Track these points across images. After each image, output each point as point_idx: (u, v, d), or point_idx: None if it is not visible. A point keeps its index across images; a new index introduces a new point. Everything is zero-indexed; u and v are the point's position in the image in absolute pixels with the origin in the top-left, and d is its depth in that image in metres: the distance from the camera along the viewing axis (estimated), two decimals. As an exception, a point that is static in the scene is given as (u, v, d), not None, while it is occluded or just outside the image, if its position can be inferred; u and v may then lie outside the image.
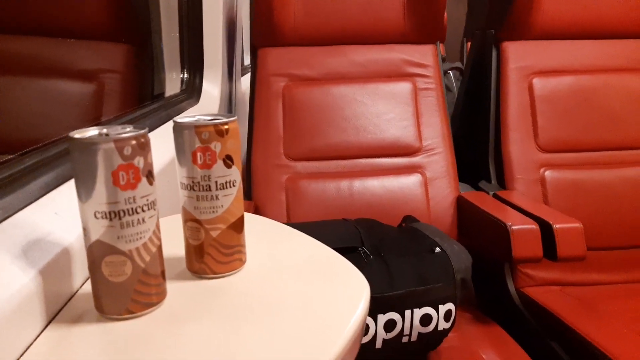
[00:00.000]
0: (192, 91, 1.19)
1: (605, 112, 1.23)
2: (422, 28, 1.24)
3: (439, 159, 1.19)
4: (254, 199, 1.16)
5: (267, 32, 1.22)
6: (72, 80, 0.80)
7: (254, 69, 1.23)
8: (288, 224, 0.67)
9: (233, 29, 1.41)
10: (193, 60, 1.20)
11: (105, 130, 0.39)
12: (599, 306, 1.02)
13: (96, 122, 0.82)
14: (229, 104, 1.37)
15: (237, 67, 1.49)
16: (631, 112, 1.23)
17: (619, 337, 0.90)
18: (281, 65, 1.23)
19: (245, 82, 1.63)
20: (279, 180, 1.16)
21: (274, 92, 1.21)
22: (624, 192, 1.19)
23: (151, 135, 0.82)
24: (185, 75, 1.21)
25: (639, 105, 1.24)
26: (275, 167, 1.17)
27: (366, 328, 0.78)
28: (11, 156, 0.51)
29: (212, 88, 1.22)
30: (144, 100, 1.04)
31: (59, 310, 0.42)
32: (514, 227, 0.93)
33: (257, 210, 1.13)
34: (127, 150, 0.37)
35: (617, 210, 1.18)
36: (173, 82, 1.19)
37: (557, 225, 0.92)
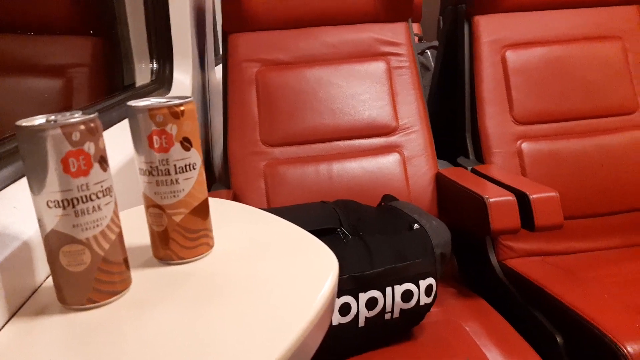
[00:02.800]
0: (162, 81, 1.17)
1: (579, 82, 1.24)
2: (392, 6, 1.23)
3: (416, 137, 1.19)
4: (232, 187, 1.15)
5: (236, 17, 1.20)
6: (36, 77, 0.78)
7: (225, 55, 1.22)
8: (266, 209, 0.67)
9: (202, 17, 1.38)
10: (162, 50, 1.17)
11: (53, 117, 0.38)
12: (580, 274, 1.03)
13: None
14: (203, 92, 1.35)
15: (210, 55, 1.47)
16: (603, 80, 1.24)
17: (600, 302, 0.91)
18: (253, 50, 1.21)
19: (219, 70, 1.61)
20: (257, 167, 1.15)
21: (247, 78, 1.19)
22: (600, 160, 1.20)
23: (120, 125, 0.81)
24: (155, 65, 1.19)
25: (611, 73, 1.25)
26: (253, 154, 1.16)
27: (348, 307, 0.78)
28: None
29: (183, 77, 1.21)
30: (114, 92, 1.02)
31: (22, 304, 0.42)
32: (491, 200, 0.93)
33: (236, 198, 1.12)
34: (76, 136, 0.36)
35: (594, 178, 1.19)
36: (143, 72, 1.17)
37: (534, 195, 0.93)
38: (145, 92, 1.06)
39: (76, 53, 0.92)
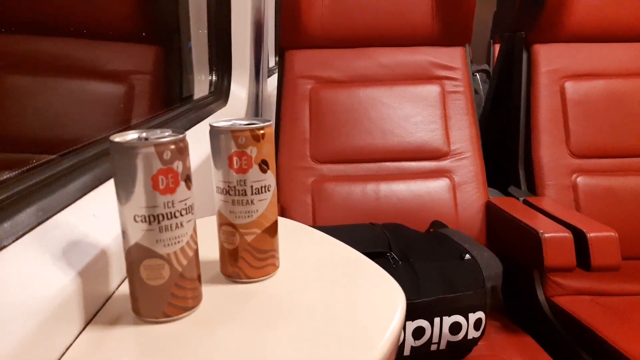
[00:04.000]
0: (220, 93, 1.20)
1: (639, 117, 1.20)
2: (450, 30, 1.23)
3: (467, 164, 1.17)
4: (279, 201, 1.16)
5: (294, 33, 1.22)
6: (102, 82, 0.81)
7: (282, 70, 1.23)
8: (315, 227, 0.67)
9: (260, 31, 1.41)
10: (221, 62, 1.20)
11: (145, 134, 0.39)
12: (632, 317, 0.99)
13: (127, 124, 0.83)
14: (256, 105, 1.37)
15: (264, 68, 1.49)
16: (667, 117, 1.20)
17: (653, 349, 0.87)
18: (308, 67, 1.22)
19: (271, 83, 1.64)
20: (304, 183, 1.16)
21: (300, 94, 1.21)
22: (659, 199, 1.15)
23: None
24: (214, 77, 1.21)
25: (676, 110, 1.20)
26: (301, 169, 1.17)
27: (394, 334, 0.77)
28: (51, 157, 0.52)
29: (240, 90, 1.23)
30: (173, 102, 1.05)
31: (96, 312, 0.43)
32: (546, 235, 0.91)
33: (282, 212, 1.13)
34: (167, 155, 0.37)
35: (651, 219, 1.15)
36: (201, 84, 1.20)
37: (592, 234, 0.90)
38: (204, 104, 1.09)
39: (139, 61, 0.94)
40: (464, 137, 1.19)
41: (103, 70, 0.81)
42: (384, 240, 0.87)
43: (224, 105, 1.17)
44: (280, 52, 1.26)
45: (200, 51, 1.20)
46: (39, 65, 0.61)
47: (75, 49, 0.71)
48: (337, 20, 1.23)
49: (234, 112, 1.18)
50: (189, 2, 1.14)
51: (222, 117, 0.46)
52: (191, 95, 1.15)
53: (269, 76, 1.73)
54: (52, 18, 0.64)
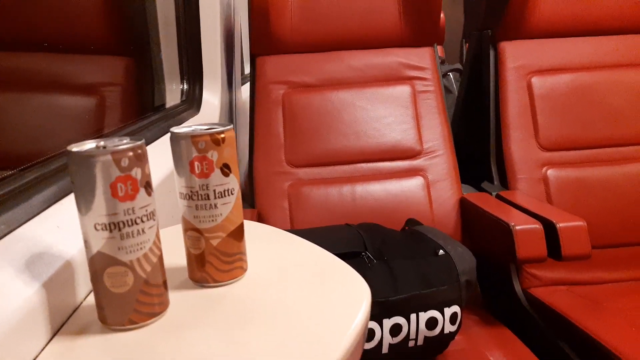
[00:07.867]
0: (192, 101, 1.20)
1: (606, 109, 1.23)
2: (418, 31, 1.25)
3: (440, 161, 1.19)
4: (257, 207, 1.16)
5: (264, 40, 1.23)
6: (72, 95, 0.81)
7: (253, 77, 1.24)
8: (291, 230, 0.68)
9: (231, 38, 1.42)
10: (192, 71, 1.20)
11: (102, 143, 0.39)
12: (606, 304, 1.01)
13: (98, 135, 0.83)
14: (230, 113, 1.38)
15: (237, 76, 1.50)
16: (631, 107, 1.23)
17: (627, 335, 0.89)
18: (280, 72, 1.23)
19: (245, 90, 1.64)
20: (281, 187, 1.17)
21: (273, 99, 1.22)
22: (628, 188, 1.19)
23: (152, 146, 0.83)
24: (185, 86, 1.21)
25: (639, 101, 1.24)
26: (277, 174, 1.18)
27: (372, 333, 0.78)
28: (12, 171, 0.51)
29: (212, 98, 1.23)
30: (145, 112, 1.04)
31: (63, 323, 0.43)
32: (517, 227, 0.92)
33: (260, 218, 1.13)
34: (125, 162, 0.37)
35: (621, 208, 1.18)
36: (173, 93, 1.20)
37: (561, 224, 0.92)
38: (175, 112, 1.09)
39: (109, 72, 0.94)
40: (436, 136, 1.21)
41: (73, 83, 0.80)
42: (359, 240, 0.88)
43: (197, 114, 1.17)
44: (251, 58, 1.26)
45: (171, 60, 1.20)
46: (6, 79, 0.60)
47: (44, 63, 0.71)
48: (307, 25, 1.24)
49: (206, 120, 1.18)
50: (157, 13, 1.14)
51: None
52: (163, 104, 1.14)
53: (243, 83, 1.74)
54: (21, 32, 0.64)
